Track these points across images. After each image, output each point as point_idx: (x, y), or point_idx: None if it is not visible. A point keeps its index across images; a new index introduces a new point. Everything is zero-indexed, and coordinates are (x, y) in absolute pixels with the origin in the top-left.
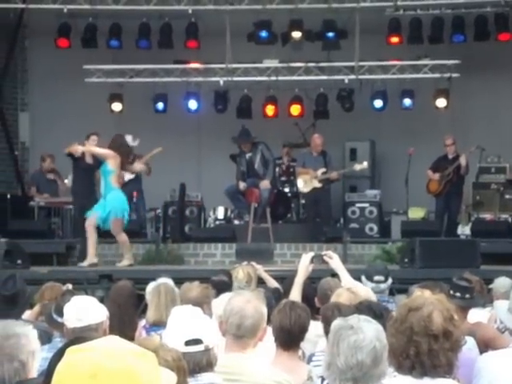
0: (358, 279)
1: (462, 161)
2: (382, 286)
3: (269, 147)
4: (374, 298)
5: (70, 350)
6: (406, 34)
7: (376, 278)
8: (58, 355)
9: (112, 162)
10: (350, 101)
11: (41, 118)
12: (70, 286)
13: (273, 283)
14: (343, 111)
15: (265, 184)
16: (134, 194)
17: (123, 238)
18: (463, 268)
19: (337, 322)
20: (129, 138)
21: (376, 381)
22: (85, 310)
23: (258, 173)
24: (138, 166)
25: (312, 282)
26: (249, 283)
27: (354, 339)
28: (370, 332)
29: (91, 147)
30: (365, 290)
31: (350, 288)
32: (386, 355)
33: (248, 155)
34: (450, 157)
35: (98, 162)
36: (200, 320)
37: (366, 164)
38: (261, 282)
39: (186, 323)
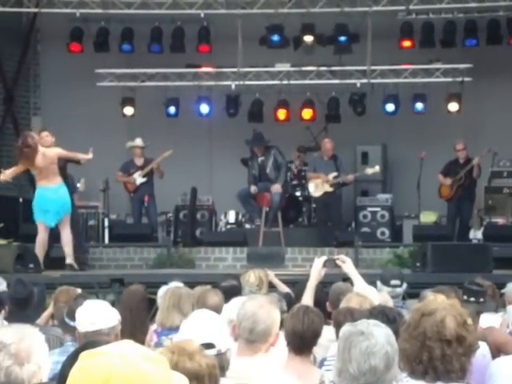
0: (372, 283)
1: (475, 162)
2: (398, 290)
3: (281, 151)
4: (390, 302)
5: (83, 355)
6: (418, 38)
7: (392, 282)
8: (71, 359)
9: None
10: (362, 105)
11: (53, 122)
12: (79, 291)
13: (284, 289)
14: (355, 115)
15: (276, 188)
16: (146, 198)
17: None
18: (475, 272)
19: (346, 328)
20: (138, 141)
21: None
22: (97, 314)
23: (270, 177)
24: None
25: (323, 286)
26: (260, 287)
27: (365, 345)
28: (381, 337)
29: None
30: (379, 295)
31: (358, 292)
32: (397, 359)
33: (260, 159)
34: (461, 161)
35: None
36: (213, 324)
37: (377, 168)
38: (271, 286)
39: (199, 327)
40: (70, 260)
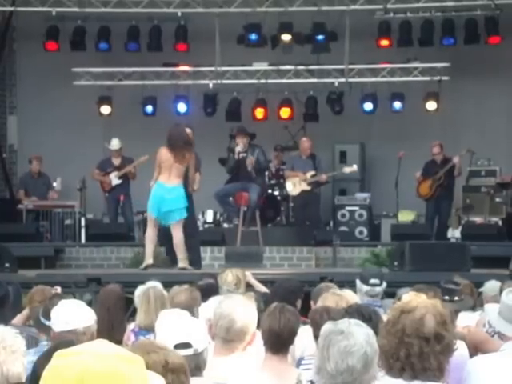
0: (350, 282)
1: (456, 160)
2: (377, 289)
3: (265, 152)
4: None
5: (56, 355)
6: (396, 37)
7: (372, 280)
8: (44, 359)
9: None
10: (340, 104)
11: (29, 120)
12: (58, 289)
13: (261, 289)
14: (333, 114)
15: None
16: (121, 197)
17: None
18: (453, 271)
19: (327, 327)
20: (115, 143)
21: None
22: (72, 313)
23: (250, 175)
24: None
25: (302, 285)
26: (237, 286)
27: (344, 344)
28: (360, 337)
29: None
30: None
31: (334, 291)
32: (376, 359)
33: (242, 155)
34: (439, 162)
35: None
36: (189, 323)
37: (355, 167)
38: (249, 286)
39: (175, 327)
40: (182, 264)
